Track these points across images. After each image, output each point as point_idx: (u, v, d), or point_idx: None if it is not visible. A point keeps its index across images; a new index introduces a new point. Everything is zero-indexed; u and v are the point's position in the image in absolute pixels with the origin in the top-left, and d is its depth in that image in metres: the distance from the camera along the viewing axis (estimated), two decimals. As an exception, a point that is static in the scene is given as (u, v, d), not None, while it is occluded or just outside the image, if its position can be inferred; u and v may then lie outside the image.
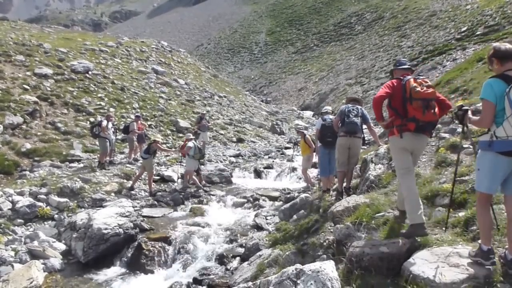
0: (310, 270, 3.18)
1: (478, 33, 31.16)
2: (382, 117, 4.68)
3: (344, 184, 7.18)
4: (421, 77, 4.62)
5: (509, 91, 3.19)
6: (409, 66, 4.91)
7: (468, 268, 3.33)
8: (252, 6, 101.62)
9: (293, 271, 3.23)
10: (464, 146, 6.33)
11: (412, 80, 4.46)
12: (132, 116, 19.11)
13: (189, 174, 12.29)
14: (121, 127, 17.77)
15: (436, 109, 4.43)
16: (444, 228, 4.34)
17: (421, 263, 3.58)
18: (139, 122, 15.66)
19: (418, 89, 4.35)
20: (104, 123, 13.49)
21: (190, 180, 12.32)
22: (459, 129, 4.33)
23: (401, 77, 4.61)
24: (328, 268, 3.19)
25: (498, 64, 3.44)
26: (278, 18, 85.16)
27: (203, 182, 12.80)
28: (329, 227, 5.96)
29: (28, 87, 18.31)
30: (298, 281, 3.12)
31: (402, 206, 4.67)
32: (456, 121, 4.17)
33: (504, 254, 3.39)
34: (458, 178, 5.31)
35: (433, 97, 4.40)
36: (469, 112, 3.87)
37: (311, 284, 3.07)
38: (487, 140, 3.37)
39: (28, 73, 19.85)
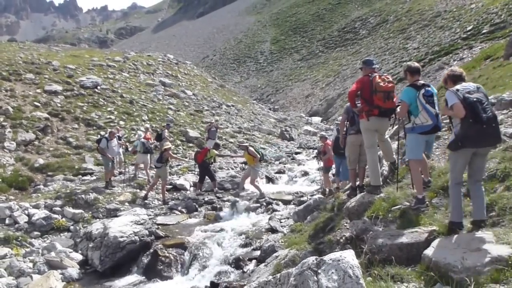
0: (330, 259, 3.16)
1: (484, 31, 30.97)
2: (356, 105, 6.13)
3: (358, 183, 7.17)
4: (384, 74, 6.02)
5: (418, 95, 4.87)
6: (375, 65, 6.30)
7: (490, 252, 3.30)
8: (255, 16, 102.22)
9: (313, 261, 3.21)
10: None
11: (377, 76, 5.78)
12: (143, 128, 19.26)
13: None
14: (131, 140, 17.95)
15: (395, 99, 5.77)
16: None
17: (442, 250, 3.55)
18: (148, 133, 15.99)
19: (381, 84, 5.66)
20: (104, 142, 12.47)
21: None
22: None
23: (369, 74, 5.95)
24: (349, 256, 3.16)
25: (410, 76, 5.11)
26: (282, 26, 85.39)
27: (216, 188, 12.84)
28: (345, 224, 5.93)
29: (39, 104, 18.57)
30: (319, 271, 3.10)
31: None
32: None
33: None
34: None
35: (392, 89, 5.77)
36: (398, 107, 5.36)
37: (332, 272, 3.05)
38: (410, 126, 5.04)
39: (38, 90, 20.12)
